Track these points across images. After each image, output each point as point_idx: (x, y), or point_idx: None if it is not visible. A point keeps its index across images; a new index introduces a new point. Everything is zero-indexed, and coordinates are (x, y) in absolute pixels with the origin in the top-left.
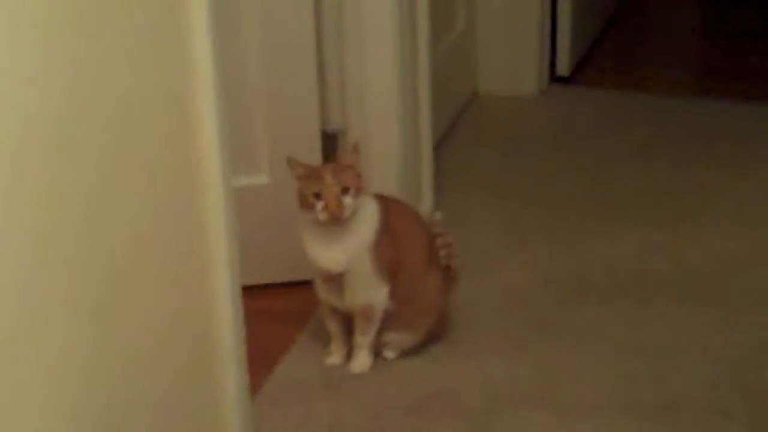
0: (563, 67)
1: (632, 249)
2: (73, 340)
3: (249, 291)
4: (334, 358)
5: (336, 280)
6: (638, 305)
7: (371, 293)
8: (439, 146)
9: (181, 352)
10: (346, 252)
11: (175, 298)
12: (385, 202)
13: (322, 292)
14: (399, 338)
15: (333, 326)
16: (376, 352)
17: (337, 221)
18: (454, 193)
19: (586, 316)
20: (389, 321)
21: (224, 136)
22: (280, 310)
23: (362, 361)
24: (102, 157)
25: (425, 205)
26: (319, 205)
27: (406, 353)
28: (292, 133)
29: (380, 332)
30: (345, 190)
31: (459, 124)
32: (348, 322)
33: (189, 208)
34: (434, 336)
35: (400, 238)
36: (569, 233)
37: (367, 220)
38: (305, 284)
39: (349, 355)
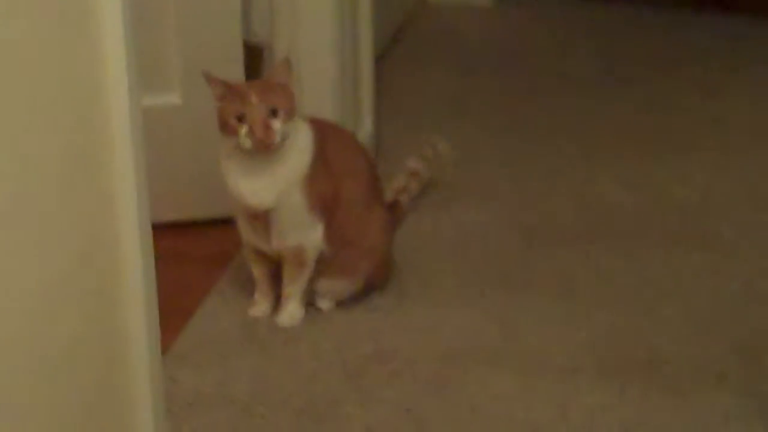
0: None
1: (607, 186)
2: None
3: (159, 230)
4: (259, 308)
5: (262, 218)
6: (614, 250)
7: (303, 233)
8: (380, 61)
9: (82, 300)
10: (274, 185)
11: (77, 238)
12: (319, 126)
13: (246, 233)
14: (335, 286)
15: (258, 271)
16: (309, 302)
17: (264, 149)
18: (398, 117)
19: (555, 262)
20: (324, 266)
21: (130, 44)
22: (195, 252)
23: (292, 312)
24: None
25: (365, 130)
26: (243, 129)
27: (344, 304)
28: (208, 45)
29: (313, 279)
30: (274, 113)
31: (404, 37)
32: (276, 267)
33: (89, 133)
34: (376, 284)
35: (337, 169)
36: (534, 166)
37: (299, 147)
38: (225, 222)
39: (276, 305)
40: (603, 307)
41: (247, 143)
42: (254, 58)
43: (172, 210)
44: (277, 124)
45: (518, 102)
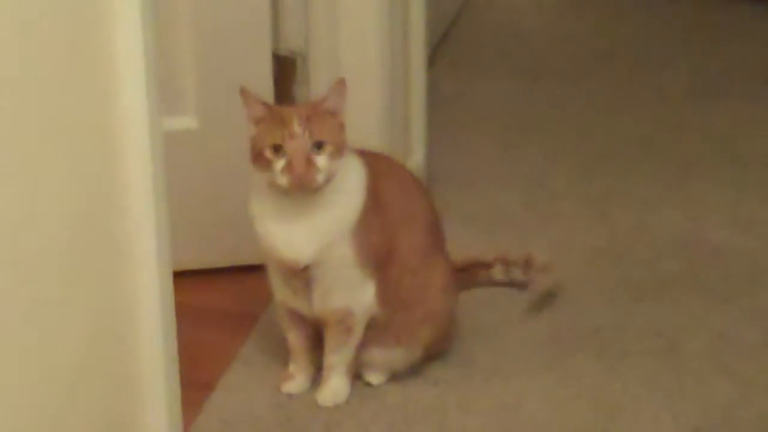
0: None
1: (711, 224)
2: None
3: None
4: (295, 383)
5: (301, 275)
6: (727, 303)
7: (351, 294)
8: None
9: (94, 377)
10: (316, 235)
11: (88, 304)
12: (369, 160)
13: (279, 290)
14: (388, 356)
15: (293, 337)
16: (356, 376)
17: (303, 189)
18: (449, 138)
19: (653, 318)
20: (375, 332)
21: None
22: (213, 308)
23: (335, 388)
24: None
25: (415, 158)
26: (279, 163)
27: (399, 377)
28: (230, 57)
29: (362, 348)
30: (319, 146)
31: (453, 36)
32: (315, 333)
33: (105, 174)
34: (438, 352)
35: (392, 215)
36: (619, 200)
37: (348, 188)
38: (252, 270)
39: (316, 379)
40: (718, 375)
41: (283, 181)
42: (285, 71)
43: (185, 256)
44: (321, 161)
45: (594, 117)
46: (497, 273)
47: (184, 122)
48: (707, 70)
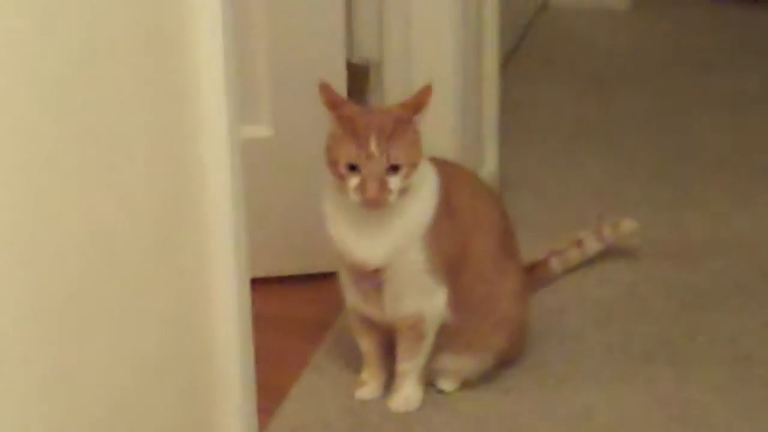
0: None
1: None
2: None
3: None
4: (368, 390)
5: (373, 279)
6: None
7: (423, 299)
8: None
9: (171, 383)
10: (389, 238)
11: (166, 310)
12: (442, 168)
13: (351, 295)
14: (460, 363)
15: (366, 344)
16: (428, 383)
17: (375, 209)
18: (521, 146)
19: (727, 327)
20: (447, 339)
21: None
22: (286, 315)
23: (408, 395)
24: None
25: (487, 167)
26: (353, 182)
27: (471, 384)
28: (304, 66)
29: (434, 354)
30: (395, 168)
31: (524, 45)
32: (388, 340)
33: (183, 178)
34: (511, 359)
35: (464, 221)
36: (692, 211)
37: (422, 195)
38: (325, 278)
39: (389, 386)
40: None
41: (355, 198)
42: (358, 79)
43: (260, 263)
44: (395, 182)
45: (664, 123)
46: (573, 257)
47: (259, 130)
48: None
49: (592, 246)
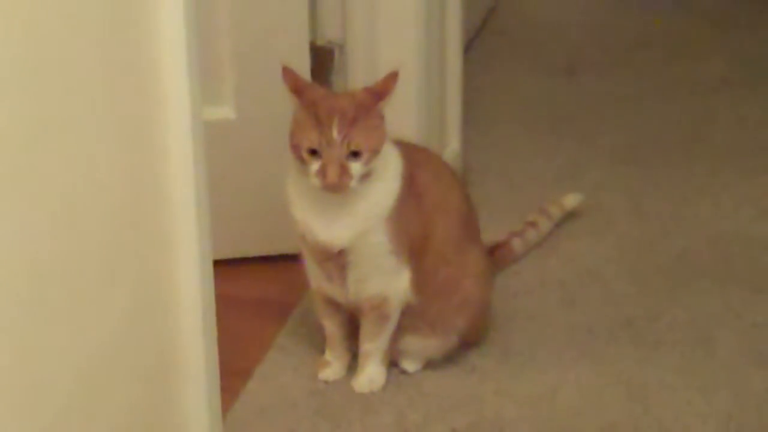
0: None
1: (749, 217)
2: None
3: None
4: (332, 370)
5: (337, 260)
6: (761, 295)
7: (386, 281)
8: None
9: (134, 364)
10: (353, 221)
11: (131, 288)
12: (406, 150)
13: (315, 277)
14: (424, 344)
15: (329, 325)
16: (392, 363)
17: (334, 193)
18: (484, 130)
19: (689, 309)
20: (410, 320)
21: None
22: (249, 296)
23: (372, 375)
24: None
25: (450, 148)
26: (314, 166)
27: (434, 365)
28: (268, 48)
29: (397, 335)
30: (355, 155)
31: (489, 27)
32: (351, 321)
33: (146, 159)
34: (473, 340)
35: (427, 204)
36: (657, 195)
37: (386, 178)
38: (288, 259)
39: (352, 367)
40: (751, 364)
41: (315, 182)
42: (322, 61)
43: (223, 245)
44: (356, 168)
45: (628, 108)
46: (531, 237)
47: (222, 112)
48: (742, 60)
49: (545, 225)
